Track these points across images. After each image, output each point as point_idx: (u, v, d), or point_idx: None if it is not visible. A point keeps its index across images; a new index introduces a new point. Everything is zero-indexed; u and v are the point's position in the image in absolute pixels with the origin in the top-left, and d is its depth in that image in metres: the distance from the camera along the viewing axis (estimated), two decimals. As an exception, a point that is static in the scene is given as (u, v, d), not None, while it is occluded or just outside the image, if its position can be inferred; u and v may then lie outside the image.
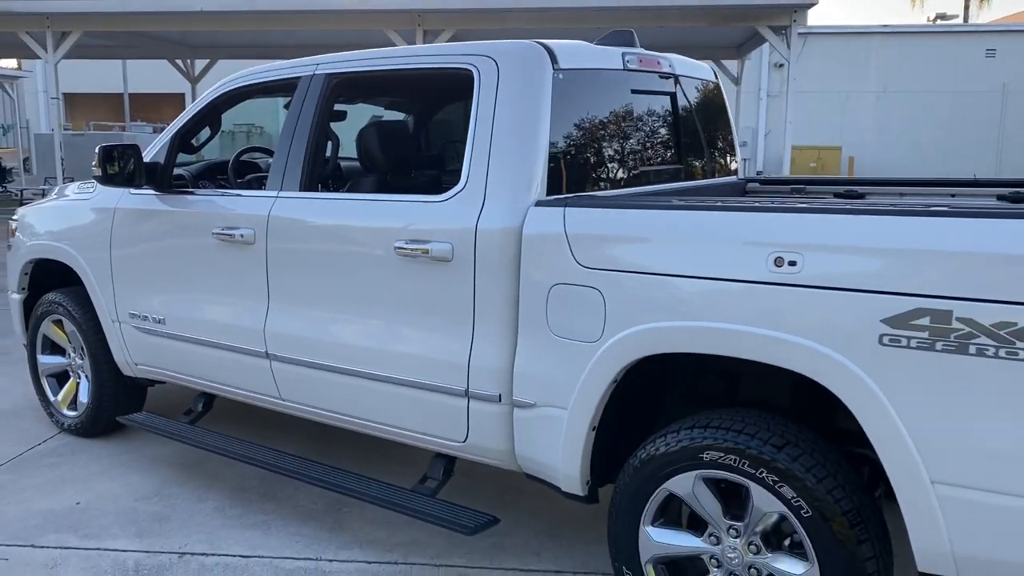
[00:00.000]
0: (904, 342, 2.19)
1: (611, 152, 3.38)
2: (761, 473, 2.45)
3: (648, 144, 3.61)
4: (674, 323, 2.57)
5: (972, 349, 2.11)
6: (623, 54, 3.45)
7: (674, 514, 2.75)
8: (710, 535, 2.66)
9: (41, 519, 3.76)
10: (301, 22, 12.49)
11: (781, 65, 30.56)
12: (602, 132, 3.31)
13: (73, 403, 4.78)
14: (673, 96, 3.76)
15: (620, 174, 3.41)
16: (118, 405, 4.62)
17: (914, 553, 2.29)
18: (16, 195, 20.88)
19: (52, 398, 4.87)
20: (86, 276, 4.42)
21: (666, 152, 3.74)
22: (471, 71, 3.15)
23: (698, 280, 2.52)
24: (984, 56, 29.23)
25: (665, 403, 2.98)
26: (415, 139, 4.42)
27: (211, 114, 4.17)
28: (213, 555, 3.44)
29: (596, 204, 2.86)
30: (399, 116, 5.01)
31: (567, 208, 2.83)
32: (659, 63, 3.67)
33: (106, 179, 3.95)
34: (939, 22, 36.08)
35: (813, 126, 29.93)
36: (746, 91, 29.03)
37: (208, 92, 4.10)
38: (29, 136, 27.69)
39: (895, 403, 2.22)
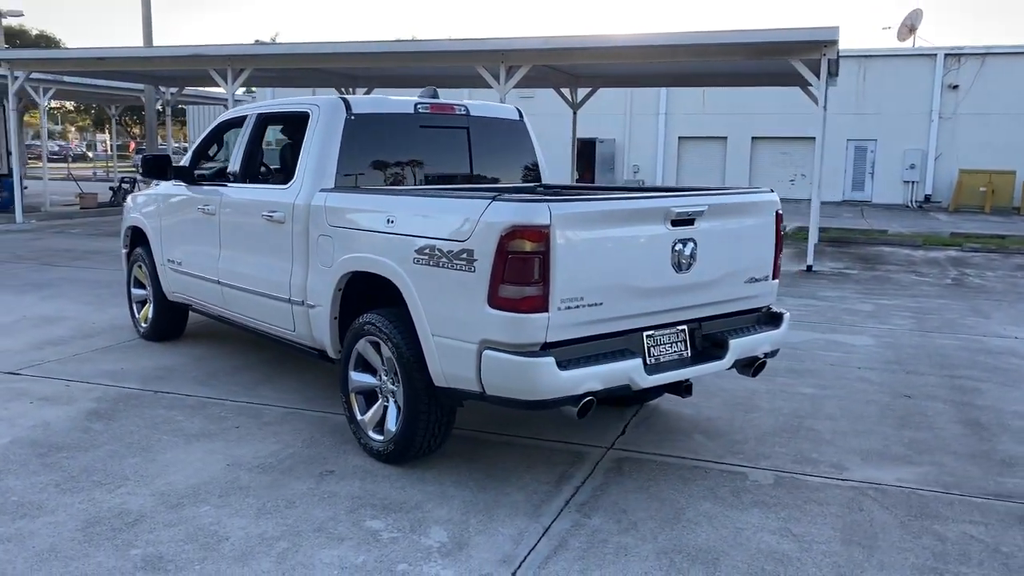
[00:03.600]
0: (422, 261, 4.23)
1: (392, 163, 5.51)
2: (383, 337, 4.54)
3: (433, 159, 5.69)
4: (353, 255, 4.72)
5: (443, 264, 4.12)
6: (416, 104, 5.58)
7: (363, 364, 4.85)
8: (377, 374, 4.75)
9: (97, 373, 6.41)
10: (421, 60, 15.19)
11: (955, 86, 30.18)
12: (385, 153, 5.46)
13: (147, 319, 7.51)
14: (468, 130, 5.82)
15: (399, 177, 5.53)
16: (169, 321, 7.31)
17: (431, 376, 4.29)
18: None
19: (136, 316, 7.63)
20: (150, 236, 7.11)
21: (455, 165, 5.79)
22: (307, 113, 5.41)
23: (363, 231, 4.67)
24: None
25: (368, 303, 4.99)
26: (288, 153, 6.41)
27: (215, 137, 6.71)
28: (173, 393, 5.93)
29: (338, 191, 5.06)
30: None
31: (328, 193, 5.05)
32: (453, 108, 5.75)
33: (145, 176, 6.60)
34: None
35: (991, 149, 29.09)
36: (915, 112, 28.96)
37: (211, 125, 6.64)
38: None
39: (418, 292, 4.26)
